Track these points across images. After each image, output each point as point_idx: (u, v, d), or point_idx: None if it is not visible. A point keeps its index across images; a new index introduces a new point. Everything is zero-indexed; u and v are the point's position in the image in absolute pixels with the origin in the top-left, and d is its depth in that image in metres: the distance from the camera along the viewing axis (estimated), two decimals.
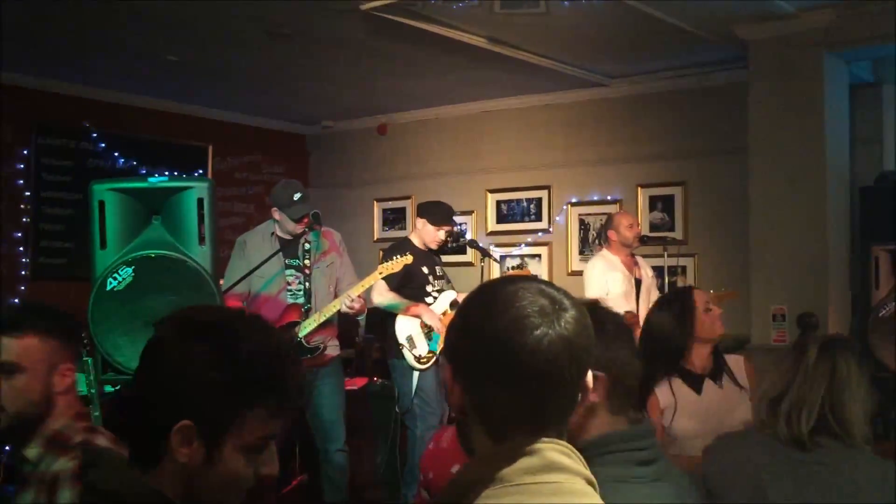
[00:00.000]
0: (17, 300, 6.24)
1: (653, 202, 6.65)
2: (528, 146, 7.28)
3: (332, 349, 4.57)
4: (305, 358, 4.28)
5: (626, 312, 4.94)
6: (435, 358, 4.89)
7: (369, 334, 6.65)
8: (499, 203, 7.46)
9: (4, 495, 2.79)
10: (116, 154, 6.98)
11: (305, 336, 4.37)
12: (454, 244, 6.59)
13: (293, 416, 1.24)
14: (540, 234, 7.21)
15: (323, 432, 4.54)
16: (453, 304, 5.01)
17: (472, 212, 7.50)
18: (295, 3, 4.85)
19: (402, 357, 4.91)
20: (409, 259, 4.69)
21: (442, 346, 4.83)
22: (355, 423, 4.97)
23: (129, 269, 3.15)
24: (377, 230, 8.15)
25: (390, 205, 8.09)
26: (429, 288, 5.03)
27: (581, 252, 6.97)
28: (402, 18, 4.97)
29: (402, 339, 4.91)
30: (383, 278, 4.71)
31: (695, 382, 3.09)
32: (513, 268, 6.72)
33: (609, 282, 5.09)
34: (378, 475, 5.37)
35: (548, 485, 1.13)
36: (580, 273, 5.56)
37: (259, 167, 8.17)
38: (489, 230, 7.44)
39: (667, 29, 5.20)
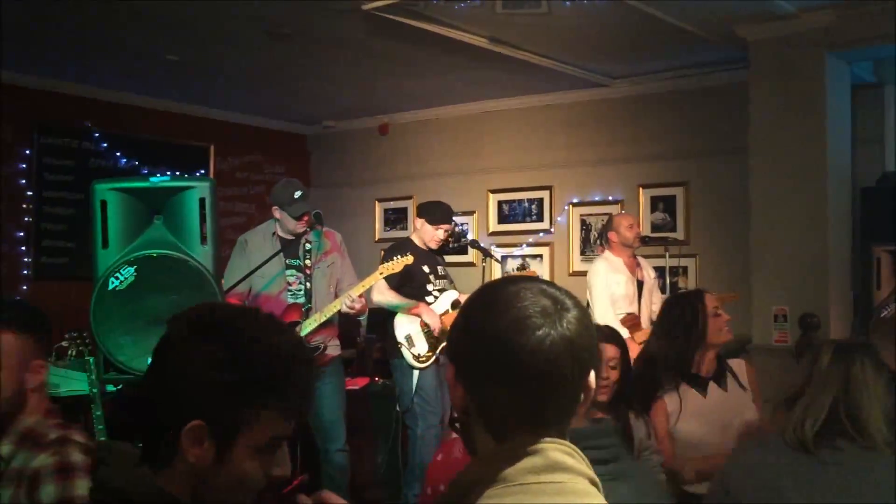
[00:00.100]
0: (18, 299, 6.25)
1: (654, 202, 6.65)
2: (529, 146, 7.28)
3: (333, 349, 4.58)
4: None
5: (628, 314, 4.95)
6: (434, 357, 4.90)
7: (371, 334, 6.66)
8: (500, 203, 7.46)
9: None
10: (118, 154, 6.98)
11: (306, 336, 4.37)
12: (455, 244, 6.60)
13: (305, 417, 1.23)
14: (541, 234, 7.21)
15: (323, 432, 4.54)
16: (455, 304, 5.01)
17: (474, 212, 7.50)
18: (296, 2, 4.85)
19: (402, 356, 4.92)
20: (409, 259, 4.70)
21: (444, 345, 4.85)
22: (356, 423, 4.97)
23: (131, 269, 3.15)
24: (378, 230, 8.15)
25: (391, 205, 8.10)
26: (429, 287, 5.04)
27: (582, 252, 6.97)
28: (402, 18, 4.97)
29: (400, 337, 4.93)
30: (384, 277, 4.72)
31: (700, 386, 3.10)
32: (518, 268, 6.72)
33: (612, 284, 5.08)
34: (379, 475, 5.37)
35: (551, 484, 1.13)
36: (582, 273, 5.56)
37: (260, 167, 8.17)
38: (490, 230, 7.44)
39: (668, 29, 5.20)
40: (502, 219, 7.44)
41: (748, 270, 5.43)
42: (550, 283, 1.24)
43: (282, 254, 4.50)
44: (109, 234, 3.25)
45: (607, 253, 5.27)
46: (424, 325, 4.90)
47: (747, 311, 5.30)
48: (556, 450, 1.16)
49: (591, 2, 4.75)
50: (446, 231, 5.12)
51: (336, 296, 4.55)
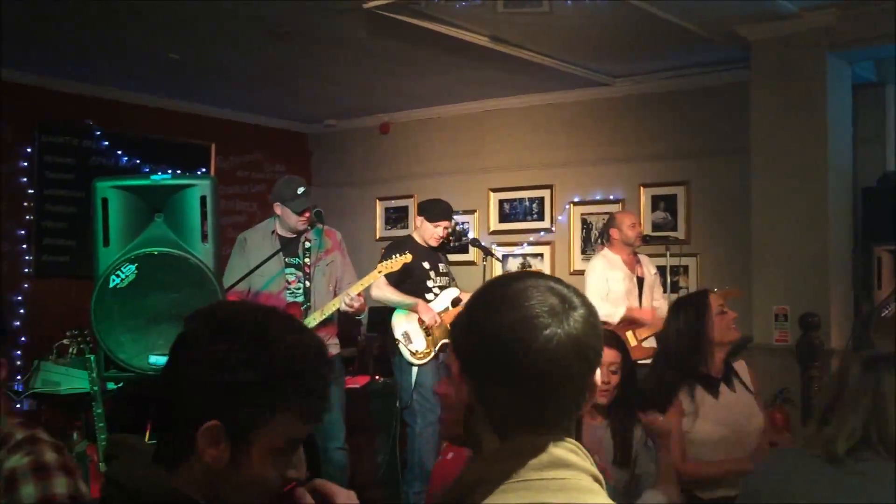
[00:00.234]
0: (19, 298, 6.26)
1: (655, 202, 6.65)
2: (530, 145, 7.28)
3: (332, 348, 4.57)
4: None
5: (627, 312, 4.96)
6: (433, 354, 4.91)
7: (371, 333, 6.66)
8: (501, 202, 7.46)
9: None
10: (119, 152, 6.98)
11: None
12: (456, 242, 6.59)
13: (322, 419, 1.20)
14: (542, 233, 7.21)
15: (323, 431, 4.54)
16: (455, 302, 5.02)
17: (475, 211, 7.50)
18: (297, 1, 4.85)
19: (400, 353, 4.93)
20: (408, 258, 4.71)
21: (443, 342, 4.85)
22: (356, 421, 4.97)
23: (132, 267, 3.16)
24: (379, 229, 8.15)
25: (392, 203, 8.10)
26: (429, 283, 5.04)
27: (583, 251, 6.97)
28: (404, 17, 4.97)
29: (398, 334, 4.95)
30: (383, 275, 4.74)
31: (712, 387, 3.09)
32: (520, 267, 6.72)
33: (609, 280, 5.09)
34: (378, 474, 5.37)
35: (554, 481, 1.13)
36: (582, 272, 5.56)
37: (261, 166, 8.17)
38: (491, 229, 7.44)
39: (669, 29, 5.20)
40: (503, 218, 7.44)
41: (749, 270, 5.43)
42: (557, 280, 1.23)
43: (281, 252, 4.50)
44: (110, 232, 3.25)
45: (606, 250, 5.28)
46: (422, 322, 4.92)
47: (748, 310, 5.30)
48: (560, 447, 1.16)
49: (592, 1, 4.75)
50: (446, 228, 5.13)
51: (335, 294, 4.56)
